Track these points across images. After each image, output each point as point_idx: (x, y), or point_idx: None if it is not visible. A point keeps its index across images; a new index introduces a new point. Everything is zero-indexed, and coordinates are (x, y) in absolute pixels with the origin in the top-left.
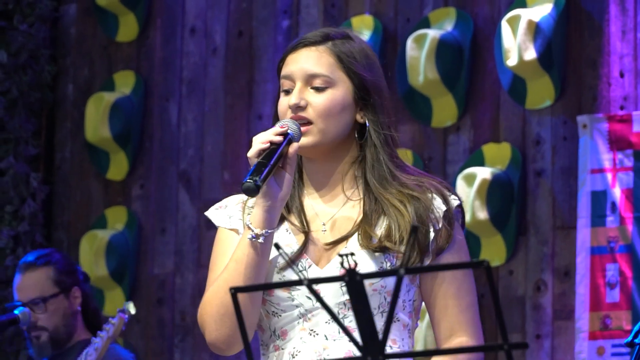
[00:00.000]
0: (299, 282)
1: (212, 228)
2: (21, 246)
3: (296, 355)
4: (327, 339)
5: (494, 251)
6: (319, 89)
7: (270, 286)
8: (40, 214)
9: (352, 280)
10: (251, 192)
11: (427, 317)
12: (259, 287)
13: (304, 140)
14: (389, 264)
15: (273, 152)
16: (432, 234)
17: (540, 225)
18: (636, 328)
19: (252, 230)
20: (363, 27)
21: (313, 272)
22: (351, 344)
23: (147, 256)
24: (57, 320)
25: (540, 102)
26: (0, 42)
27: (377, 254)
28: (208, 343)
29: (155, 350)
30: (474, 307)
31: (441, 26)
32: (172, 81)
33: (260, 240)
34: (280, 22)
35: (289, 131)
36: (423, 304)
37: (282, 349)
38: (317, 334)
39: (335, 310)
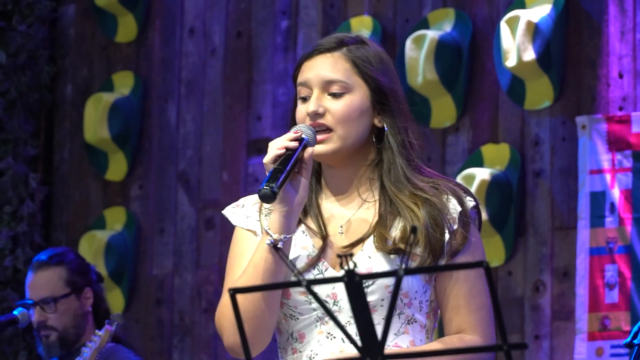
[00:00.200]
0: (297, 283)
1: (210, 228)
2: (20, 247)
3: (314, 358)
4: (344, 342)
5: (493, 252)
6: (336, 95)
7: (269, 287)
8: (39, 215)
9: (351, 280)
10: (268, 198)
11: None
12: (258, 288)
13: (324, 148)
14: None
15: (289, 157)
16: (446, 236)
17: (539, 226)
18: (635, 329)
19: (271, 236)
20: (362, 28)
21: (330, 275)
22: None
23: (146, 257)
24: (67, 320)
25: (539, 103)
26: None
27: (392, 256)
28: (226, 347)
29: (154, 351)
30: (485, 308)
31: (440, 27)
32: (171, 82)
33: (279, 245)
34: (279, 23)
35: (303, 136)
36: None
37: (300, 351)
38: (334, 337)
39: (351, 313)
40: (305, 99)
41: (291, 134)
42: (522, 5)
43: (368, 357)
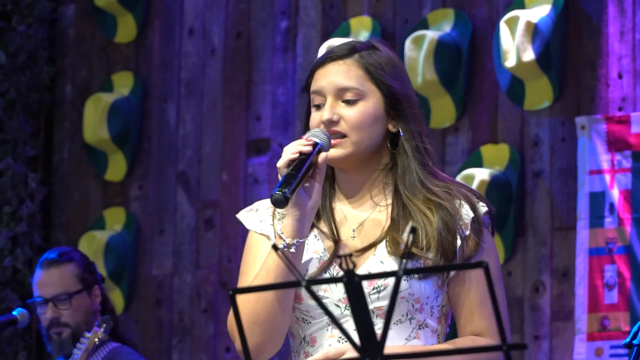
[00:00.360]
0: (297, 284)
1: (210, 229)
2: (19, 247)
3: None
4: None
5: None
6: (350, 102)
7: (269, 287)
8: (38, 215)
9: (351, 281)
10: (280, 204)
11: None
12: (257, 288)
13: (338, 152)
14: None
15: (302, 162)
16: (458, 241)
17: (539, 226)
18: (634, 329)
19: (284, 240)
20: (361, 28)
21: None
22: None
23: (145, 257)
24: (80, 317)
25: (539, 103)
26: None
27: (404, 260)
28: (238, 351)
29: (153, 351)
30: (503, 312)
31: (439, 27)
32: (170, 82)
33: (292, 249)
34: (278, 23)
35: (318, 140)
36: None
37: (312, 355)
38: (345, 341)
39: None
40: (319, 107)
41: (305, 139)
42: (522, 6)
43: (367, 358)
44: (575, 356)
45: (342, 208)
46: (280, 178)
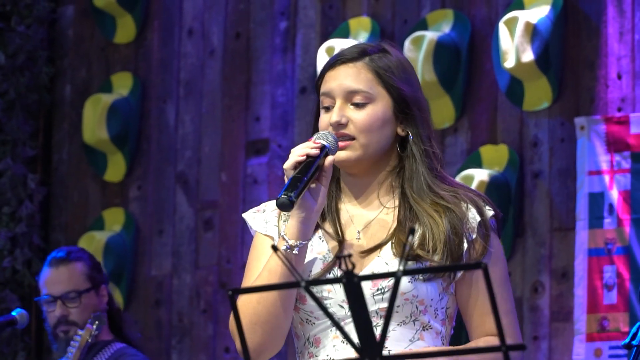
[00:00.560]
0: (296, 284)
1: (209, 229)
2: (19, 247)
3: None
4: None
5: None
6: (359, 105)
7: (268, 287)
8: (37, 216)
9: (350, 282)
10: (285, 207)
11: None
12: (257, 288)
13: (346, 155)
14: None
15: (309, 165)
16: (465, 245)
17: (538, 227)
18: (633, 330)
19: (287, 241)
20: (360, 29)
21: None
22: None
23: (144, 257)
24: (87, 316)
25: (538, 104)
26: None
27: (410, 262)
28: (238, 351)
29: (152, 352)
30: (511, 313)
31: (439, 28)
32: (169, 83)
33: (295, 251)
34: (277, 24)
35: (325, 143)
36: None
37: (316, 356)
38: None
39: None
40: (328, 109)
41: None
42: (521, 6)
43: (367, 358)
44: (574, 357)
45: (348, 209)
46: (286, 180)
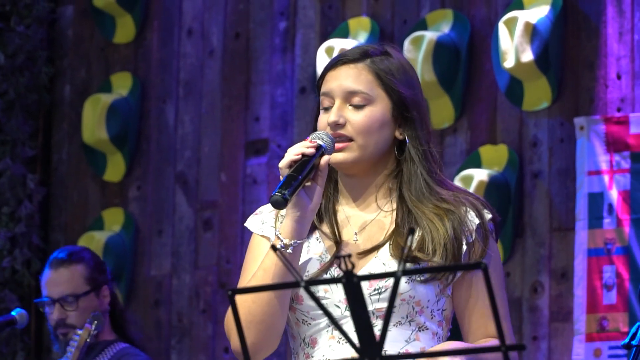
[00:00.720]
0: (296, 284)
1: (209, 229)
2: (18, 248)
3: None
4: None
5: None
6: (357, 107)
7: (268, 287)
8: (37, 216)
9: (349, 282)
10: (279, 205)
11: None
12: (257, 288)
13: (343, 157)
14: (417, 275)
15: (305, 163)
16: (464, 247)
17: (537, 227)
18: (633, 330)
19: (281, 240)
20: (360, 29)
21: None
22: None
23: (144, 258)
24: (87, 318)
25: (537, 104)
26: None
27: (408, 264)
28: (233, 350)
29: (152, 352)
30: (506, 319)
31: (438, 28)
32: (169, 83)
33: (289, 250)
34: (277, 24)
35: (321, 143)
36: None
37: (312, 356)
38: (345, 342)
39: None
40: (327, 109)
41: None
42: (520, 7)
43: (366, 358)
44: (573, 357)
45: (345, 210)
46: (281, 178)
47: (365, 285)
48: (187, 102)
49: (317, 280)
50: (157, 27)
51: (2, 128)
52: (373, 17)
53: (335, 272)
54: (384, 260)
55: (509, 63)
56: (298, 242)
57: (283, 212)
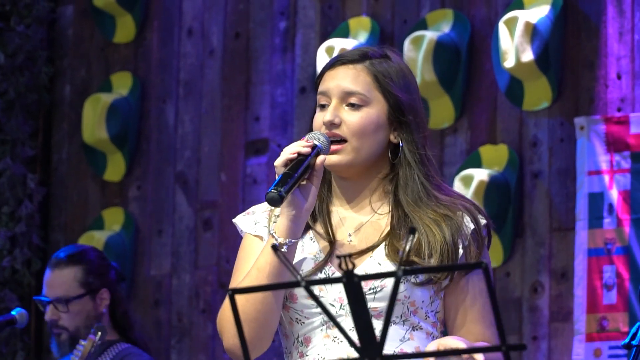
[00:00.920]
0: (296, 284)
1: (208, 229)
2: (18, 247)
3: None
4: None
5: (491, 253)
6: (354, 107)
7: (268, 287)
8: (37, 215)
9: (350, 281)
10: (275, 202)
11: None
12: (256, 288)
13: (337, 159)
14: (413, 277)
15: (300, 163)
16: (460, 252)
17: (537, 227)
18: (633, 330)
19: (276, 239)
20: (360, 29)
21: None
22: None
23: (143, 257)
24: (79, 321)
25: (538, 104)
26: None
27: (403, 261)
28: (225, 349)
29: (152, 352)
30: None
31: (438, 28)
32: (169, 83)
33: (284, 249)
34: (277, 24)
35: (317, 143)
36: None
37: (306, 355)
38: (340, 341)
39: None
40: (324, 107)
41: (305, 141)
42: (521, 6)
43: (367, 358)
44: (573, 357)
45: (339, 212)
46: (277, 177)
47: None
48: (187, 102)
49: (317, 280)
50: (157, 27)
51: (2, 128)
52: (373, 17)
53: (329, 271)
54: (379, 260)
55: (509, 63)
56: (293, 241)
57: (277, 212)
